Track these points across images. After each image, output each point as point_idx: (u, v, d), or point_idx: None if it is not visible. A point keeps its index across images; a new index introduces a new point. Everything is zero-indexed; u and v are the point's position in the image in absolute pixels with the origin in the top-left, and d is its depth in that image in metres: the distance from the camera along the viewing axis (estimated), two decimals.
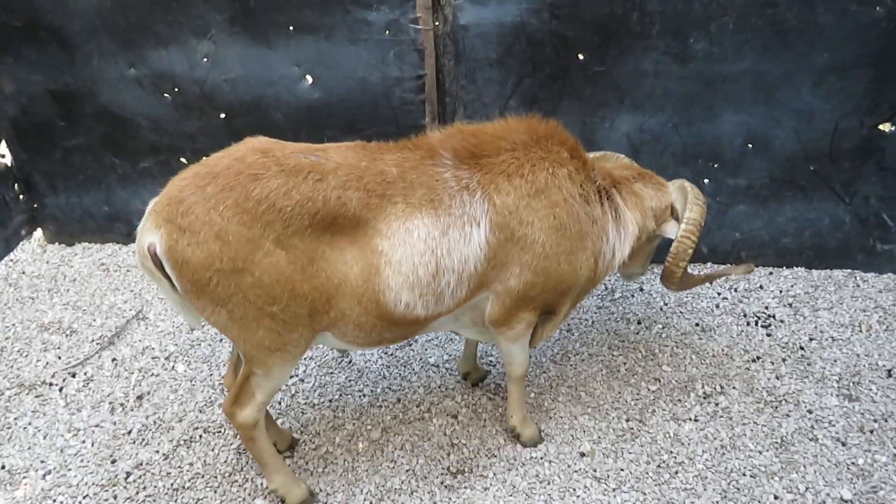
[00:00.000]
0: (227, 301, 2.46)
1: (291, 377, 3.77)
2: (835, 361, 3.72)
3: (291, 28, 4.22)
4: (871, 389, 3.52)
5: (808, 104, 4.06)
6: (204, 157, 2.57)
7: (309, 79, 4.38)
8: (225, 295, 2.44)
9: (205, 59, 4.41)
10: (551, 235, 2.72)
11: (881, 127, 4.04)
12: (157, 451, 3.36)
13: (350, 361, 3.88)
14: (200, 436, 3.44)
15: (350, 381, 3.75)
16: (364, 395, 3.65)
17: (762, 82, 4.04)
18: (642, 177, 3.15)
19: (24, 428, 3.53)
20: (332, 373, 3.81)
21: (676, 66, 4.05)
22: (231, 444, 3.37)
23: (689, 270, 3.31)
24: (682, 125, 4.25)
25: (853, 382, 3.57)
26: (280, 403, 3.61)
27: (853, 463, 3.13)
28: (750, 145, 4.24)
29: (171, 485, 3.19)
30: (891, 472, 3.07)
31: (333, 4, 4.11)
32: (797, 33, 3.87)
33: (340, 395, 3.66)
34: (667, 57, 4.03)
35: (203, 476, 3.22)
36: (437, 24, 4.10)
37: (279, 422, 3.48)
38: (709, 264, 4.65)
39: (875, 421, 3.33)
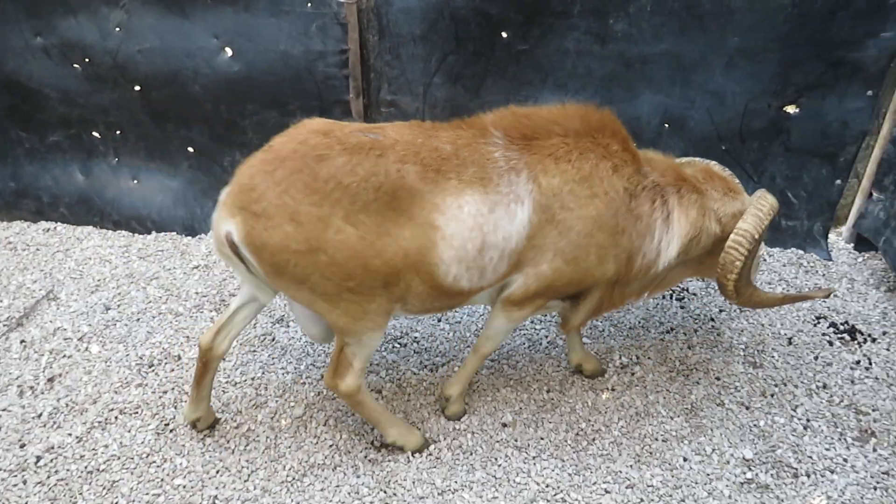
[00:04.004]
0: (306, 279, 2.56)
1: None
2: (742, 331, 3.92)
3: None
4: (773, 357, 3.73)
5: (721, 86, 4.22)
6: (267, 143, 2.62)
7: (228, 51, 4.26)
8: (304, 274, 2.54)
9: (117, 29, 4.23)
10: (587, 225, 2.75)
11: (787, 109, 4.25)
12: (70, 434, 3.25)
13: (273, 339, 3.83)
14: (116, 417, 3.34)
15: (273, 358, 3.71)
16: (287, 373, 3.62)
17: (678, 64, 4.18)
18: (713, 179, 3.06)
19: None
20: (254, 351, 3.76)
21: (597, 46, 4.14)
22: (148, 425, 3.29)
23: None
24: (603, 104, 4.25)
25: (758, 350, 3.78)
26: None
27: (755, 425, 3.32)
28: (667, 125, 4.39)
29: (85, 467, 3.09)
30: (787, 432, 3.27)
31: None
32: (711, 17, 4.01)
33: (263, 372, 3.62)
34: (588, 37, 4.11)
35: (119, 458, 3.14)
36: None
37: None
38: None
39: (776, 385, 3.54)
